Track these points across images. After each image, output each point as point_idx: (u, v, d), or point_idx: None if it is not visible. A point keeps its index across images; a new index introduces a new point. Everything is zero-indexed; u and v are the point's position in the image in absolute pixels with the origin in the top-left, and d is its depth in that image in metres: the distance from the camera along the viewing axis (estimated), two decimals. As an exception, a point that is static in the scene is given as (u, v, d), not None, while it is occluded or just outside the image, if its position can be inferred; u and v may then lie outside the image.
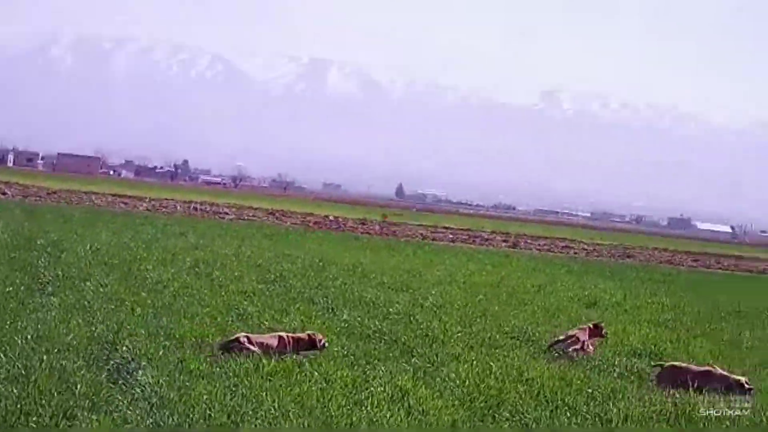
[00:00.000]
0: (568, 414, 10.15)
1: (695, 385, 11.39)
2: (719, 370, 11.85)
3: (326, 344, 12.42)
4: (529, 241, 68.05)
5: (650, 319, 20.22)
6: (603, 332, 14.85)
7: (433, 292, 21.26)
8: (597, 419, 10.01)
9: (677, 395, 11.06)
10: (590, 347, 14.27)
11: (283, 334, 12.33)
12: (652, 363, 13.38)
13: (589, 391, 11.34)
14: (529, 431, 9.46)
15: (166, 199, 74.04)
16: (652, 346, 15.30)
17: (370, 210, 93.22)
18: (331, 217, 69.20)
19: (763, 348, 17.00)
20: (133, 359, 10.87)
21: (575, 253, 60.74)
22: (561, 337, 14.41)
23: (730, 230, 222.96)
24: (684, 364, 12.34)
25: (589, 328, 14.76)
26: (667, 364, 12.51)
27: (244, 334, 12.14)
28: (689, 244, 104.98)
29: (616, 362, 13.62)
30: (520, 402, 10.50)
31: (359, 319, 15.92)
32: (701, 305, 25.38)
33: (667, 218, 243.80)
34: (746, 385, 11.42)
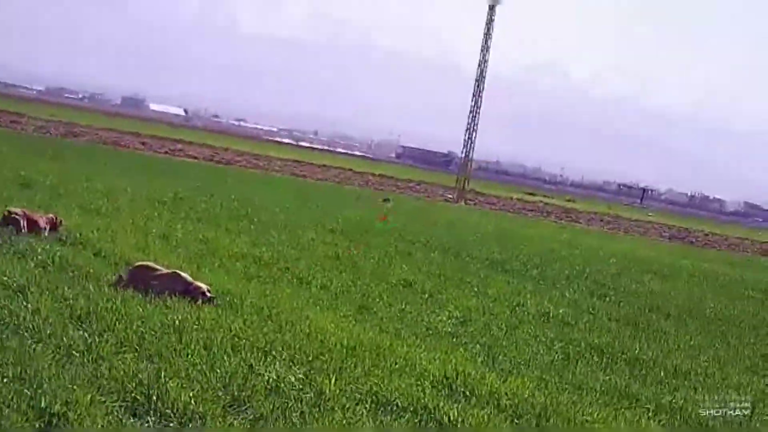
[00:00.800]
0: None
1: (161, 287, 11.28)
2: (184, 275, 11.79)
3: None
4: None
5: (83, 205, 20.19)
6: (58, 225, 15.19)
7: None
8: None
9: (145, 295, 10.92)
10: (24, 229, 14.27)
11: None
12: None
13: (5, 279, 10.84)
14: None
15: None
16: (78, 234, 15.29)
17: None
18: None
19: (193, 241, 17.62)
20: None
21: (22, 129, 58.24)
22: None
23: (183, 113, 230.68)
24: (155, 265, 12.11)
25: (52, 219, 15.12)
26: (139, 263, 12.24)
27: None
28: (140, 125, 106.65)
29: (39, 250, 13.09)
30: None
31: None
32: (144, 190, 26.11)
33: (121, 97, 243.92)
34: (207, 293, 11.44)
